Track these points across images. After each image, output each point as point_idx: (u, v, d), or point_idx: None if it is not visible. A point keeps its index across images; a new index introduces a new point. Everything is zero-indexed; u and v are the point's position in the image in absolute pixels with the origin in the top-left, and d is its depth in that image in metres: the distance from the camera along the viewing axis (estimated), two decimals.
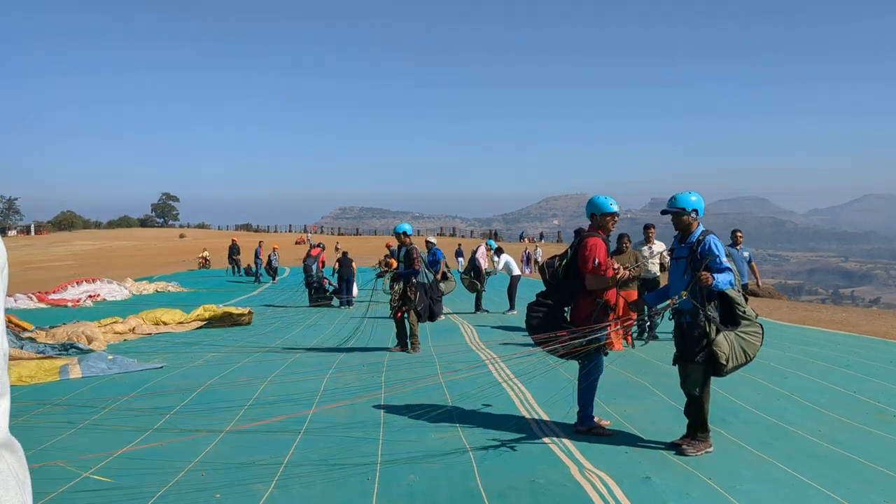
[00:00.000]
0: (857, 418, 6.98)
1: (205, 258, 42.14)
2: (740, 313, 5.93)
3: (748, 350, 5.92)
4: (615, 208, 6.69)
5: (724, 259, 5.93)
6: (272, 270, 31.89)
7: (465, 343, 12.59)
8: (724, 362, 5.82)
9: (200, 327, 15.18)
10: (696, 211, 6.18)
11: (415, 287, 11.44)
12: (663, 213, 6.35)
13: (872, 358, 10.51)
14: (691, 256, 6.05)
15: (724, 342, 5.81)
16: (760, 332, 6.04)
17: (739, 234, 13.19)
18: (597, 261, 6.45)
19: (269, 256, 31.79)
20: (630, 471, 5.44)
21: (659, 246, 12.57)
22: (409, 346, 11.56)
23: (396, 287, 11.48)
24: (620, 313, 6.92)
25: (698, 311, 5.88)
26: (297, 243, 53.40)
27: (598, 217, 6.70)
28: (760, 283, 15.30)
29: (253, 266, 33.15)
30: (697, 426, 5.99)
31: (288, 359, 11.00)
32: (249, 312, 16.02)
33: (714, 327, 5.84)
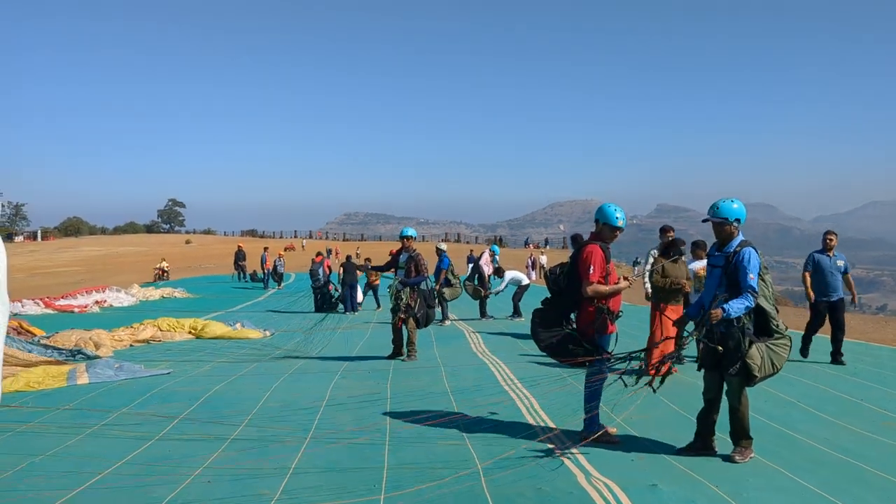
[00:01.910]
0: (863, 426, 6.97)
1: (162, 269, 38.28)
2: (773, 326, 5.90)
3: (776, 362, 5.89)
4: (619, 223, 6.63)
5: (753, 277, 5.83)
6: (277, 276, 31.98)
7: (470, 350, 12.59)
8: (756, 374, 5.80)
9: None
10: (738, 220, 6.07)
11: (416, 294, 11.43)
12: (704, 221, 6.29)
13: (879, 365, 10.49)
14: (727, 266, 5.97)
15: (757, 354, 5.78)
16: (789, 344, 6.00)
17: (831, 237, 10.89)
18: (591, 269, 6.45)
19: (275, 262, 31.88)
20: (636, 478, 5.43)
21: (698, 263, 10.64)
22: (406, 354, 11.50)
23: (403, 294, 11.38)
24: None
25: (732, 321, 5.84)
26: (285, 250, 52.91)
27: (600, 226, 6.70)
28: (856, 299, 11.95)
29: (260, 272, 33.22)
30: (741, 434, 5.98)
31: (294, 365, 11.02)
32: (266, 334, 15.64)
33: (748, 339, 5.82)
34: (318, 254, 24.13)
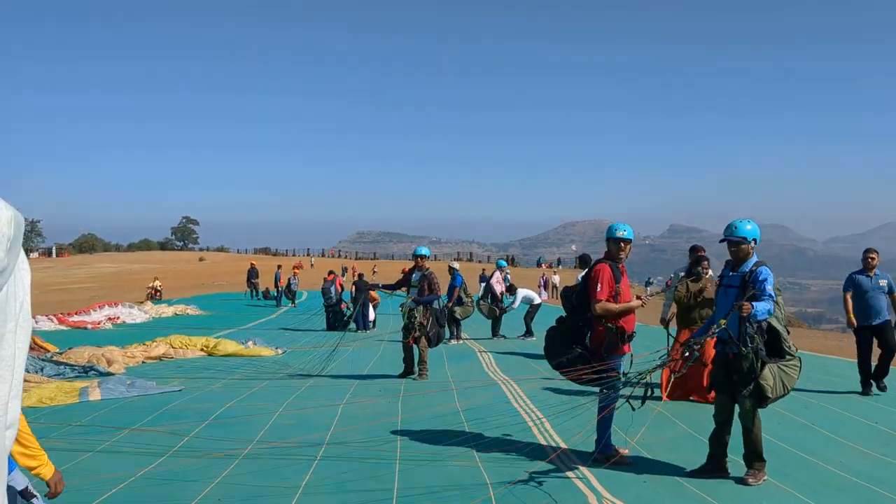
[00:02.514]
0: (878, 449, 6.91)
1: (154, 288, 35.82)
2: (786, 348, 5.88)
3: (787, 383, 5.87)
4: (619, 234, 6.67)
5: (770, 289, 5.84)
6: (291, 294, 31.98)
7: (482, 369, 12.56)
8: (770, 395, 5.77)
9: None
10: (754, 240, 6.07)
11: (429, 313, 11.42)
12: (722, 241, 6.29)
13: (894, 388, 10.39)
14: (743, 286, 5.96)
15: (770, 375, 5.76)
16: (799, 365, 5.99)
17: (872, 255, 10.00)
18: (599, 287, 6.45)
19: (289, 280, 31.90)
20: (648, 500, 5.40)
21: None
22: (417, 373, 11.46)
23: (416, 313, 11.34)
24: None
25: (746, 342, 5.80)
26: (294, 268, 52.72)
27: (608, 244, 6.75)
28: None
29: (272, 290, 33.27)
30: (755, 457, 5.94)
31: (305, 383, 11.02)
32: (278, 352, 15.55)
33: (760, 361, 5.78)
34: (331, 272, 24.17)
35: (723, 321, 5.92)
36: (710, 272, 9.78)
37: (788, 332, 6.06)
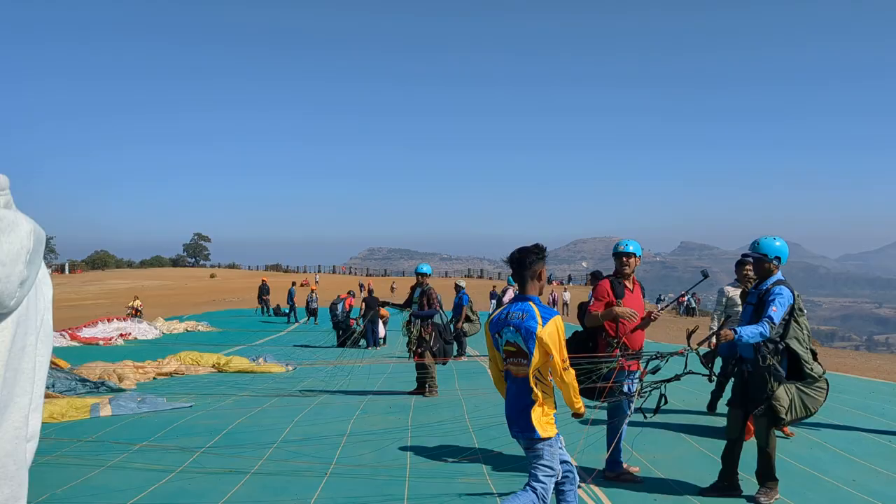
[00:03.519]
0: (892, 468, 6.84)
1: (134, 308, 33.28)
2: (807, 370, 5.77)
3: (810, 405, 5.78)
4: (621, 248, 6.69)
5: (776, 310, 5.69)
6: (311, 311, 31.95)
7: (492, 386, 12.51)
8: (784, 416, 5.71)
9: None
10: (778, 258, 5.96)
11: (431, 328, 11.50)
12: (745, 256, 6.24)
13: None
14: (758, 304, 5.89)
15: (785, 396, 5.68)
16: (825, 387, 5.90)
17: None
18: (591, 299, 6.53)
19: (308, 298, 31.94)
20: None
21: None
22: (427, 390, 11.48)
23: (413, 328, 11.50)
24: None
25: (759, 360, 5.74)
26: (301, 285, 52.48)
27: (614, 258, 6.77)
28: None
29: (284, 307, 33.31)
30: (767, 475, 5.88)
31: (315, 400, 11.01)
32: (289, 369, 15.59)
33: (775, 380, 5.70)
34: (349, 293, 24.41)
35: (695, 345, 5.95)
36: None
37: (815, 354, 5.94)
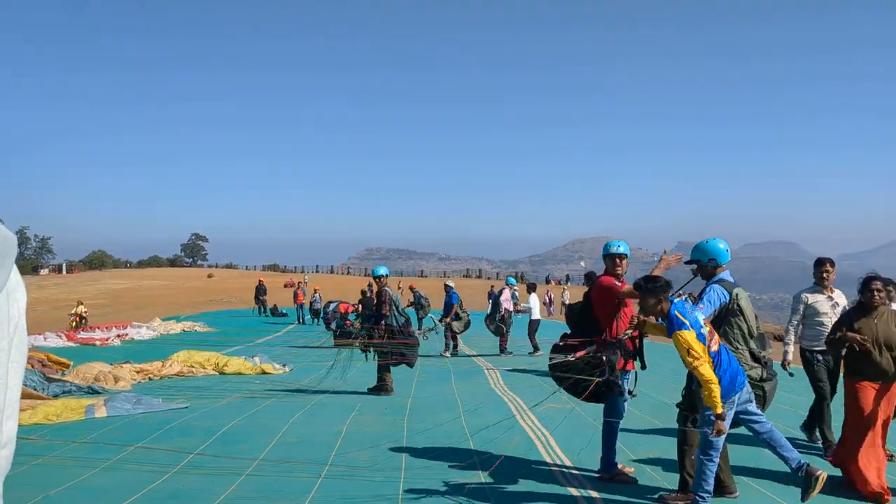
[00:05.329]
0: (893, 471, 6.83)
1: (78, 315, 28.90)
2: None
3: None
4: (613, 250, 6.68)
5: (700, 307, 5.68)
6: (315, 312, 31.86)
7: (489, 386, 12.52)
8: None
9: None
10: (713, 259, 6.00)
11: (383, 329, 11.69)
12: (687, 263, 6.28)
13: None
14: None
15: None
16: (765, 387, 5.84)
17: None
18: (612, 287, 6.53)
19: (312, 298, 31.88)
20: None
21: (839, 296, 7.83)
22: (379, 389, 11.62)
23: (361, 329, 11.98)
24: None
25: None
26: (285, 286, 52.03)
27: (604, 259, 6.77)
28: None
29: (282, 307, 33.24)
30: (684, 484, 5.84)
31: (311, 401, 11.00)
32: (285, 369, 15.59)
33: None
34: (345, 302, 24.40)
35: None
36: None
37: (755, 356, 5.86)
